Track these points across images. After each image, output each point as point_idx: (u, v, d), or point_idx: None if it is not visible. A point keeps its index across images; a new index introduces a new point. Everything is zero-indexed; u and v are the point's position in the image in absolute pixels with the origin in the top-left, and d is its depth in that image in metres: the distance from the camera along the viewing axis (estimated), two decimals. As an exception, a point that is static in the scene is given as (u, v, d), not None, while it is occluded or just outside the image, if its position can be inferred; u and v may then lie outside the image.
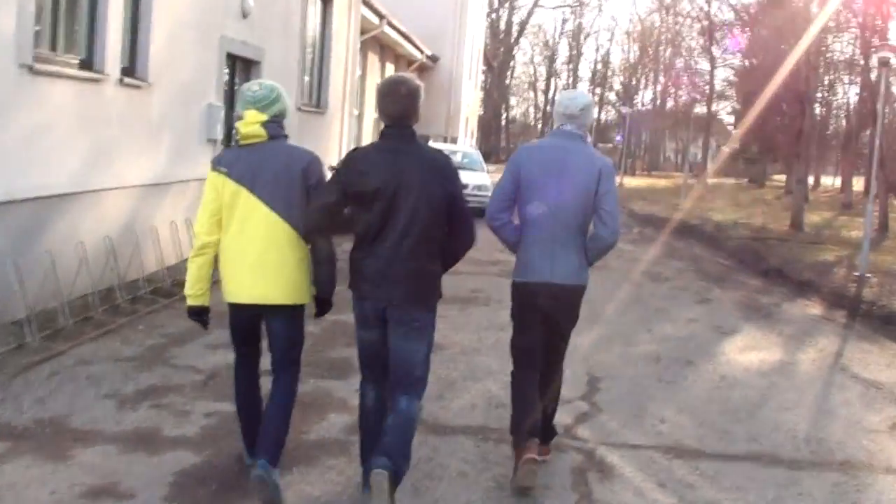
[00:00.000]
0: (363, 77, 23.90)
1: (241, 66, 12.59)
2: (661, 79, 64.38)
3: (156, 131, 9.90)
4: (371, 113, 25.50)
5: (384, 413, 4.32)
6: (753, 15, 41.51)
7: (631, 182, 45.00)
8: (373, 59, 24.67)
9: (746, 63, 43.46)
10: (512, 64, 72.82)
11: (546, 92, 76.28)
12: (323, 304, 4.58)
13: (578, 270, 4.85)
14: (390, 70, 27.41)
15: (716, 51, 49.94)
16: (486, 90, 66.49)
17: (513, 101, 76.42)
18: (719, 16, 49.81)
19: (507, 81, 71.74)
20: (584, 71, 76.94)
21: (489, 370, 7.11)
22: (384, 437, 4.13)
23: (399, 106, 4.20)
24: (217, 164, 4.39)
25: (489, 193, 18.51)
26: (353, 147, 4.61)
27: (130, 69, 9.44)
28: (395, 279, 4.15)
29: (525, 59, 78.41)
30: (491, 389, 6.59)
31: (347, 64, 18.63)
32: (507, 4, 68.87)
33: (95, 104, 8.56)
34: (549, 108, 75.14)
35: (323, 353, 7.21)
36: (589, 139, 5.05)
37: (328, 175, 4.42)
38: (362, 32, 21.96)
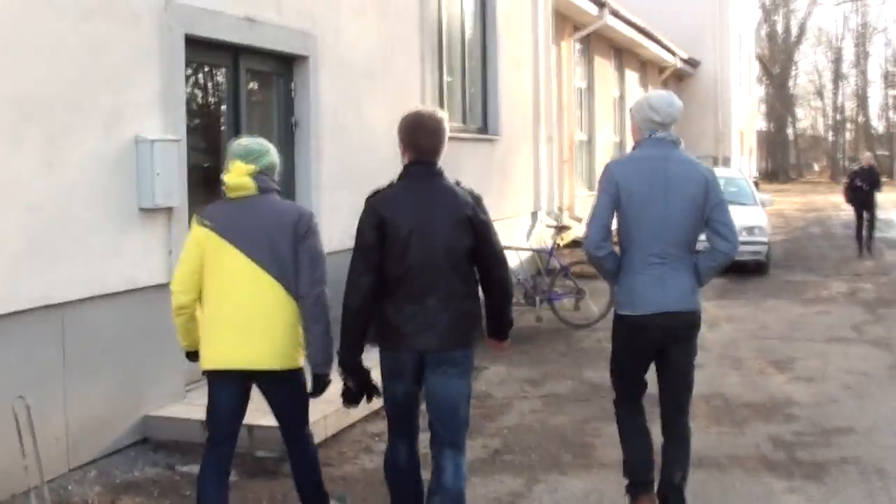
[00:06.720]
0: (590, 89, 17.29)
1: (249, 62, 6.58)
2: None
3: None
4: (609, 138, 18.75)
5: (418, 470, 3.82)
6: None
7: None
8: (602, 64, 17.95)
9: None
10: (794, 72, 61.88)
11: (835, 98, 64.34)
12: (317, 379, 3.77)
13: (692, 294, 3.99)
14: (631, 79, 20.42)
15: None
16: (768, 102, 56.74)
17: (799, 112, 64.91)
18: None
19: (791, 91, 60.89)
20: (874, 73, 64.13)
21: None
22: None
23: (431, 140, 3.68)
24: (202, 218, 3.73)
25: (766, 239, 11.46)
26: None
27: None
28: (431, 325, 3.58)
29: (808, 67, 66.44)
30: None
31: (540, 69, 12.19)
32: (782, 9, 58.53)
33: None
34: (838, 115, 63.70)
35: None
36: (682, 145, 4.09)
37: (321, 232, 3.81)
38: (577, 27, 15.46)
